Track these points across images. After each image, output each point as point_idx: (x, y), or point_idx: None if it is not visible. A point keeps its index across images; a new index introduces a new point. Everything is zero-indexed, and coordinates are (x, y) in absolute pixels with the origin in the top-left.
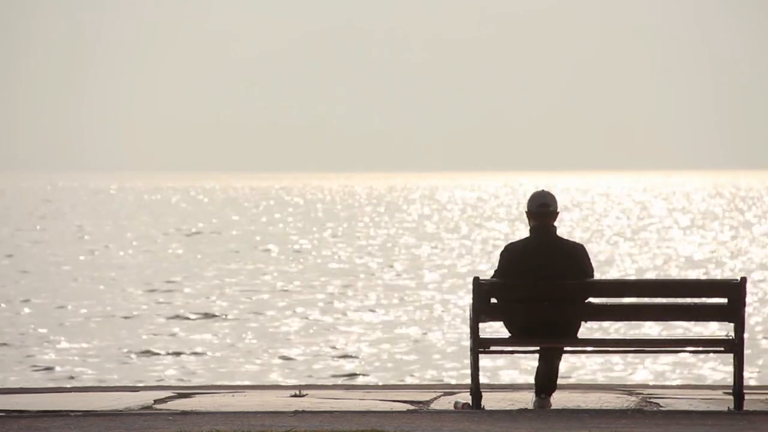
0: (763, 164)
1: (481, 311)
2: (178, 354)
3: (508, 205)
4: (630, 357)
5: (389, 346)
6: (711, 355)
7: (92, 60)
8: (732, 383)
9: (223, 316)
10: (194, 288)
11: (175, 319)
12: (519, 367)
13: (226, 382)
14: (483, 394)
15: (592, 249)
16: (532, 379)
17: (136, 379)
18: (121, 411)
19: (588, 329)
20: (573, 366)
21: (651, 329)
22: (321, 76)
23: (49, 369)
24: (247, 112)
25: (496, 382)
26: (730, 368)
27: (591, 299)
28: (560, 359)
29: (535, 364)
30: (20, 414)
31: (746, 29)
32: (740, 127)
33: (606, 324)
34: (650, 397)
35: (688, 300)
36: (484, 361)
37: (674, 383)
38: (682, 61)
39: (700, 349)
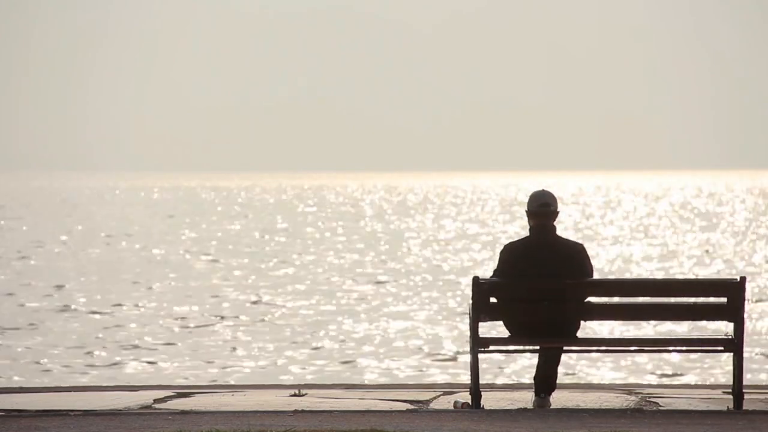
0: (761, 164)
1: (480, 310)
2: (178, 354)
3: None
4: (630, 357)
5: (389, 345)
6: (711, 354)
7: (94, 60)
8: (731, 383)
9: (223, 316)
10: (194, 287)
11: (175, 319)
12: (518, 367)
13: (225, 382)
14: (482, 393)
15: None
16: (531, 379)
17: (136, 379)
18: (120, 410)
19: (588, 329)
20: (573, 366)
21: (651, 329)
22: (324, 75)
23: (48, 369)
24: (248, 112)
25: (495, 382)
26: (730, 368)
27: (590, 299)
28: (560, 359)
29: (535, 363)
30: (20, 414)
31: (744, 28)
32: (738, 127)
33: (606, 324)
34: (650, 397)
35: (688, 299)
36: (484, 360)
37: (674, 383)
38: (680, 60)
39: (700, 348)
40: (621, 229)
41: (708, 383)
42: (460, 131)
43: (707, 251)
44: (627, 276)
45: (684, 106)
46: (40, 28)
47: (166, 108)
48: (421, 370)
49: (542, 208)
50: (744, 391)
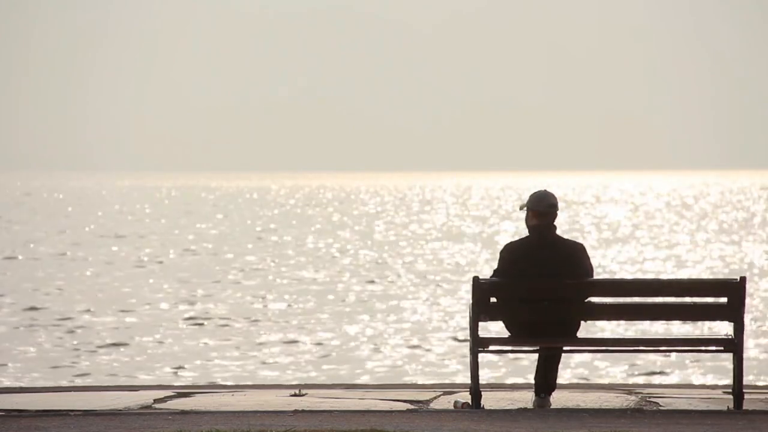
0: (761, 164)
1: (480, 310)
2: (178, 354)
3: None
4: (630, 357)
5: (389, 345)
6: (711, 354)
7: (94, 60)
8: (731, 383)
9: (223, 316)
10: (194, 287)
11: (175, 319)
12: (518, 367)
13: (226, 382)
14: (483, 393)
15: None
16: (531, 379)
17: (136, 379)
18: (120, 410)
19: (588, 329)
20: (573, 366)
21: (651, 329)
22: (324, 75)
23: (48, 369)
24: (248, 112)
25: (495, 382)
26: (730, 368)
27: (591, 299)
28: (560, 359)
29: (535, 363)
30: (20, 414)
31: (744, 28)
32: (738, 127)
33: (606, 324)
34: (650, 397)
35: (688, 300)
36: (484, 360)
37: (674, 383)
38: (680, 60)
39: (700, 348)
40: (621, 228)
41: (708, 383)
42: (460, 131)
43: (706, 250)
44: (627, 276)
45: (684, 106)
46: (40, 28)
47: (166, 108)
48: (422, 370)
49: (550, 209)
50: (744, 391)
